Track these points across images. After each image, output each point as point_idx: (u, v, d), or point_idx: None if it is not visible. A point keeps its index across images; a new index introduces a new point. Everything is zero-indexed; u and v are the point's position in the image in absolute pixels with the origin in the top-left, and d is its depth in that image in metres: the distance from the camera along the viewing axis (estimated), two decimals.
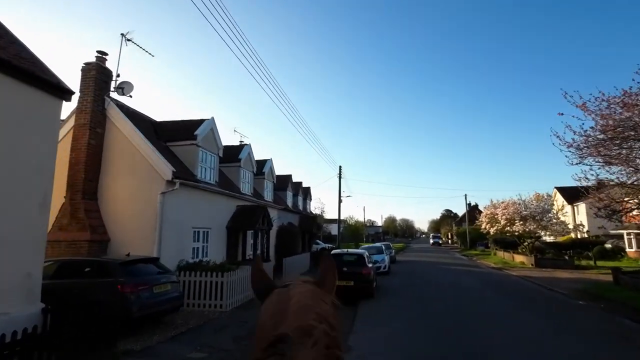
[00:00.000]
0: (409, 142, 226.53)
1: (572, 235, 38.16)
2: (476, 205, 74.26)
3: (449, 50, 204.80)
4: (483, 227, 33.15)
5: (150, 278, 7.87)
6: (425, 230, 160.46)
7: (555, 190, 47.56)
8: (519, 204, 29.58)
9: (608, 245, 33.19)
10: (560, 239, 35.13)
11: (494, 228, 30.81)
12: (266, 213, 15.90)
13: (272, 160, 21.10)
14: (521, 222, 27.91)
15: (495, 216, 30.54)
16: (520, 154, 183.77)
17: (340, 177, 37.57)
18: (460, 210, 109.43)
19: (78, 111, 11.01)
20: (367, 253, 14.36)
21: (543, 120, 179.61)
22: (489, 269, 24.57)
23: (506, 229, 29.26)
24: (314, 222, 29.04)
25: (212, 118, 13.81)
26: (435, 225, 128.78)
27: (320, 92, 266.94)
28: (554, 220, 29.12)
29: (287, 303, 0.78)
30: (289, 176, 26.03)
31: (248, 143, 17.97)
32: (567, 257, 24.25)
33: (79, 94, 11.04)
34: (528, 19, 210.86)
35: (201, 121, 13.38)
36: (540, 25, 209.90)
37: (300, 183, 30.00)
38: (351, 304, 11.43)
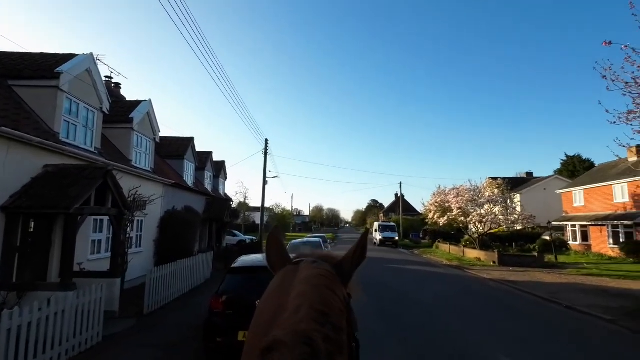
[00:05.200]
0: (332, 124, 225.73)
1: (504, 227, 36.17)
2: (402, 196, 73.61)
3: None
4: (430, 216, 28.66)
5: None
6: (350, 220, 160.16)
7: (489, 179, 46.21)
8: (474, 190, 25.63)
9: (546, 238, 31.41)
10: (493, 230, 32.50)
11: (444, 218, 26.35)
12: (111, 181, 8.04)
13: (151, 103, 12.83)
14: (478, 212, 23.86)
15: (447, 204, 26.17)
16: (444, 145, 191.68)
17: (266, 153, 30.13)
18: (386, 200, 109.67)
19: None
20: None
21: (459, 107, 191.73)
22: (449, 269, 19.64)
23: (460, 219, 24.98)
24: (227, 208, 21.33)
25: None
26: (362, 216, 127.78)
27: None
28: (511, 210, 25.90)
29: (289, 291, 0.67)
30: (189, 139, 17.80)
31: (89, 53, 9.63)
32: (536, 254, 20.50)
33: None
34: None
35: None
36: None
37: (210, 154, 21.87)
38: None
